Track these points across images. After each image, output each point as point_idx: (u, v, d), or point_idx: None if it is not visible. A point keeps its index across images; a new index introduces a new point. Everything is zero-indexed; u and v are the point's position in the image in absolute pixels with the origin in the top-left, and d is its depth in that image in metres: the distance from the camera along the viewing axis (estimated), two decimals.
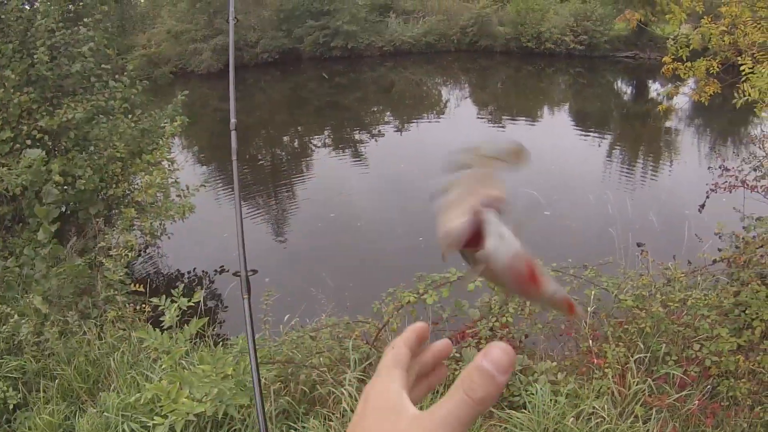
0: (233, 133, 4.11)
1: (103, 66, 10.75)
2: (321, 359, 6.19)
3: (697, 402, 5.34)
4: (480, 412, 0.71)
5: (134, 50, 28.99)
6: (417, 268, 6.91)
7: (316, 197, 15.95)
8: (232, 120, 4.12)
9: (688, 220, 9.20)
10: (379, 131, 22.94)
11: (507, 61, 35.78)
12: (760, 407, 5.38)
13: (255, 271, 3.76)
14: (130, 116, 10.58)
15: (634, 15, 9.80)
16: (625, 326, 6.22)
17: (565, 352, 6.77)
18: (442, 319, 6.68)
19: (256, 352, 3.53)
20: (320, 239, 13.28)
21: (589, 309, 6.46)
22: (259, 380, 3.36)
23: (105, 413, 5.40)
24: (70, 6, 11.41)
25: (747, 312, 5.80)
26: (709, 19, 8.14)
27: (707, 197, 8.26)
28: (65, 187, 9.33)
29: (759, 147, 8.62)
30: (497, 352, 0.71)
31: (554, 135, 21.94)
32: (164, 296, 5.32)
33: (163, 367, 5.31)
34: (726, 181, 7.95)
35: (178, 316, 4.90)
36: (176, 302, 5.04)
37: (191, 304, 5.23)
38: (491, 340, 6.46)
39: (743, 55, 7.63)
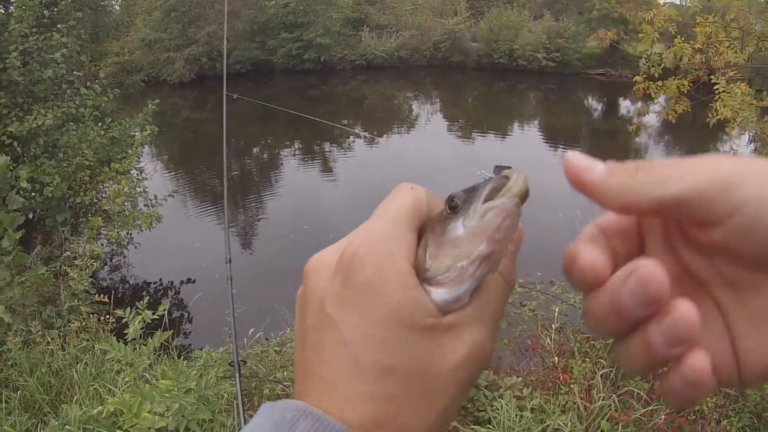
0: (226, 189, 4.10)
1: (75, 73, 10.68)
2: (285, 373, 6.16)
3: (663, 417, 5.36)
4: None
5: (107, 58, 28.83)
6: None
7: (289, 209, 15.90)
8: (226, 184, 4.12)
9: None
10: (350, 144, 22.93)
11: (479, 76, 35.93)
12: (726, 420, 5.42)
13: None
14: (100, 124, 10.49)
15: (607, 34, 9.88)
16: (592, 341, 6.24)
17: (530, 368, 6.77)
18: None
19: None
20: (291, 251, 13.23)
21: (554, 325, 6.49)
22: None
23: (67, 426, 5.34)
24: (45, 12, 11.35)
25: None
26: (682, 39, 8.22)
27: None
28: (33, 193, 9.24)
29: None
30: None
31: (524, 150, 22.07)
32: (129, 308, 5.28)
33: (125, 379, 5.26)
34: None
35: (142, 328, 4.85)
36: (141, 314, 4.99)
37: (155, 317, 5.19)
38: None
39: (716, 75, 7.70)
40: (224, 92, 4.36)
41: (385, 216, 0.59)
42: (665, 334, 0.49)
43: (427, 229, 0.60)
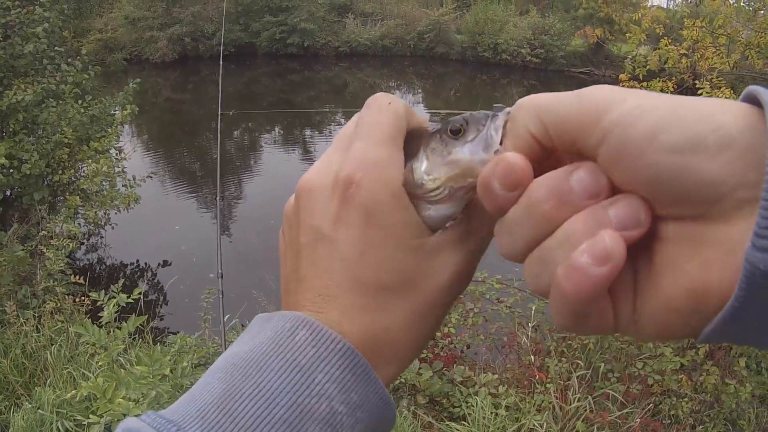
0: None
1: (56, 48, 10.56)
2: None
3: (638, 420, 5.39)
4: None
5: (90, 34, 28.53)
6: None
7: (268, 193, 15.80)
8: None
9: None
10: (330, 131, 22.88)
11: (462, 69, 35.92)
12: (701, 426, 5.47)
13: None
14: (80, 101, 10.40)
15: (594, 32, 9.91)
16: (569, 341, 6.27)
17: (506, 365, 6.80)
18: None
19: None
20: (269, 238, 13.18)
21: (530, 323, 6.52)
22: None
23: (40, 410, 5.30)
24: None
25: None
26: (669, 41, 8.25)
27: None
28: (11, 170, 9.15)
29: None
30: None
31: None
32: (103, 291, 5.23)
33: (99, 364, 5.22)
34: None
35: (117, 312, 4.81)
36: (115, 298, 4.95)
37: (131, 300, 5.15)
38: (433, 349, 6.49)
39: (701, 79, 7.73)
40: (219, 111, 4.29)
41: (372, 138, 0.62)
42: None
43: (421, 145, 0.62)
